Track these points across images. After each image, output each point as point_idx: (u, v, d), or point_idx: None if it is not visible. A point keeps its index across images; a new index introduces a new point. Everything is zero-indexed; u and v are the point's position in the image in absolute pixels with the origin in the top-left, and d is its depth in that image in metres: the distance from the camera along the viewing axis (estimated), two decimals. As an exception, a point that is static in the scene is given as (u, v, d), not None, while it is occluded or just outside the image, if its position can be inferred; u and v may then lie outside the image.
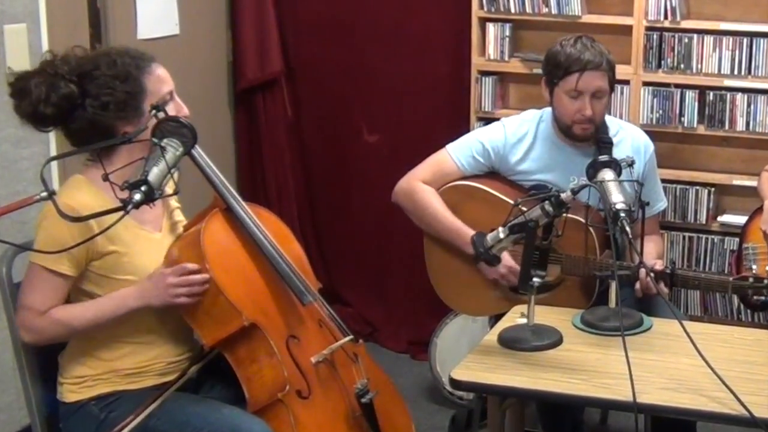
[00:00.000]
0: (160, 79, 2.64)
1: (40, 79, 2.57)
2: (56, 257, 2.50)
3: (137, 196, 2.28)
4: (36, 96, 2.56)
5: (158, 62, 2.68)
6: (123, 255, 2.61)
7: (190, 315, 2.64)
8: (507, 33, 4.36)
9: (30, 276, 2.59)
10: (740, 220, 3.91)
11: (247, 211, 2.76)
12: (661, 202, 3.55)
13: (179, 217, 2.85)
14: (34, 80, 2.57)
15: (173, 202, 2.83)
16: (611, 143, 3.33)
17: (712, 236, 4.21)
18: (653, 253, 3.31)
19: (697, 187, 4.20)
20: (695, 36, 4.10)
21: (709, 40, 4.08)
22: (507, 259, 3.21)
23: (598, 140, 3.34)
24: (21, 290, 2.61)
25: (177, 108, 2.65)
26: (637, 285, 3.12)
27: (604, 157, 2.98)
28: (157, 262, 2.63)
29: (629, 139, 3.41)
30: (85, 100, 2.58)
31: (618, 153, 3.22)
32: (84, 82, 2.58)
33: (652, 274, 3.02)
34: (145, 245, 2.65)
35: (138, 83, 2.59)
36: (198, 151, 2.71)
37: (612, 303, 2.94)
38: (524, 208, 2.79)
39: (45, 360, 2.71)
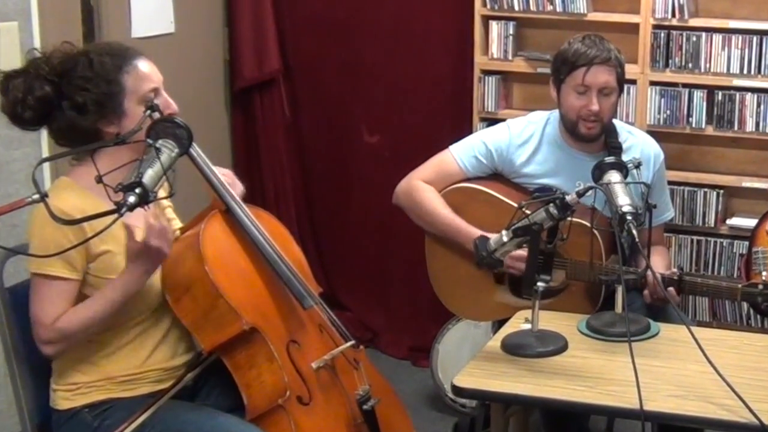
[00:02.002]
0: (142, 77, 2.62)
1: (20, 79, 2.58)
2: (51, 261, 2.50)
3: (131, 199, 2.28)
4: (12, 97, 2.57)
5: (144, 57, 2.66)
6: (116, 254, 2.60)
7: (189, 318, 2.64)
8: (510, 31, 4.36)
9: (32, 288, 2.58)
10: (750, 223, 3.91)
11: (246, 212, 2.77)
12: (668, 212, 3.55)
13: (171, 214, 2.86)
14: (15, 80, 2.58)
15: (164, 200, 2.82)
16: (620, 148, 3.33)
17: (721, 240, 4.21)
18: (660, 266, 3.30)
19: (706, 189, 4.20)
20: (703, 34, 4.10)
21: (717, 38, 4.08)
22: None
23: (608, 144, 3.34)
24: (30, 308, 2.58)
25: (164, 104, 2.63)
26: (646, 290, 3.12)
27: (610, 159, 2.98)
28: None
29: (639, 146, 3.41)
30: (62, 102, 2.58)
31: (626, 159, 3.21)
32: (62, 82, 2.59)
33: (659, 278, 3.02)
34: None
35: (115, 83, 2.58)
36: (197, 151, 2.72)
37: (618, 308, 2.95)
38: (528, 211, 2.79)
39: (37, 366, 2.70)
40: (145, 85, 2.62)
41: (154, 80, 2.65)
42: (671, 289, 3.08)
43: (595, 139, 3.35)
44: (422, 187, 3.45)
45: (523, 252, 3.02)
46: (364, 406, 2.77)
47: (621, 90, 3.36)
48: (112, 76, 2.58)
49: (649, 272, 3.07)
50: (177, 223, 2.85)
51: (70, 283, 2.56)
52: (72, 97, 2.57)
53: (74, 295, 2.58)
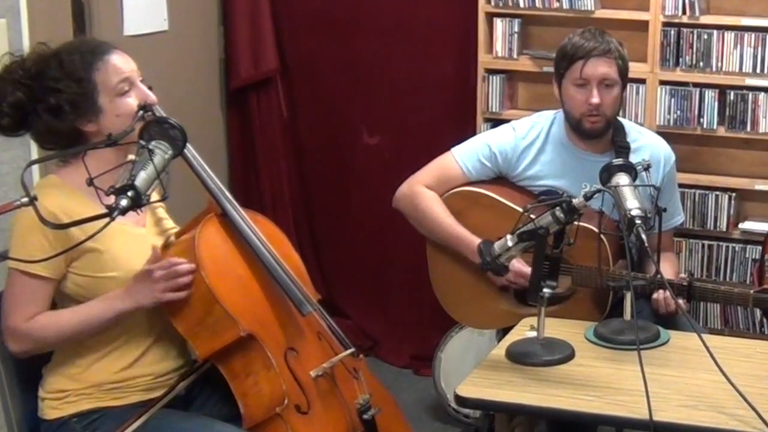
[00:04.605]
0: (111, 70, 2.61)
1: None
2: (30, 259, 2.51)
3: (123, 202, 2.29)
4: None
5: (117, 51, 2.65)
6: (104, 252, 2.61)
7: (183, 324, 2.64)
8: (516, 29, 4.37)
9: (9, 283, 2.60)
10: (763, 227, 3.91)
11: (243, 216, 2.77)
12: (678, 216, 3.54)
13: (163, 213, 2.86)
14: None
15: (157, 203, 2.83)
16: (628, 148, 3.33)
17: (733, 244, 4.20)
18: (668, 273, 3.29)
19: (717, 192, 4.20)
20: (715, 32, 4.10)
21: (729, 36, 4.09)
22: (515, 264, 3.20)
23: (615, 144, 3.34)
24: (3, 300, 2.62)
25: (140, 96, 2.62)
26: (656, 295, 3.12)
27: (618, 161, 2.98)
28: (143, 258, 2.63)
29: (649, 147, 3.40)
30: (37, 106, 2.59)
31: (634, 160, 3.21)
32: (35, 86, 2.59)
33: (669, 286, 3.02)
34: (128, 241, 2.65)
35: (87, 81, 2.58)
36: (192, 152, 2.72)
37: (627, 315, 2.95)
38: (533, 215, 2.79)
39: (25, 375, 2.71)
40: (114, 77, 2.61)
41: (124, 71, 2.63)
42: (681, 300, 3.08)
43: (600, 134, 3.34)
44: (424, 193, 3.45)
45: (524, 267, 3.03)
46: (364, 416, 2.78)
47: (624, 84, 3.36)
48: (82, 75, 2.59)
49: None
50: (171, 225, 2.85)
51: (46, 282, 2.58)
52: (45, 100, 2.58)
53: (50, 295, 2.60)
